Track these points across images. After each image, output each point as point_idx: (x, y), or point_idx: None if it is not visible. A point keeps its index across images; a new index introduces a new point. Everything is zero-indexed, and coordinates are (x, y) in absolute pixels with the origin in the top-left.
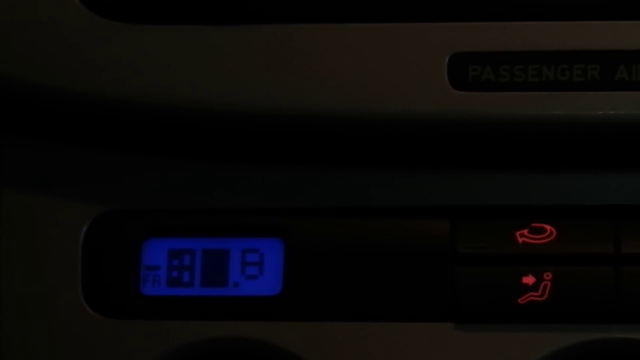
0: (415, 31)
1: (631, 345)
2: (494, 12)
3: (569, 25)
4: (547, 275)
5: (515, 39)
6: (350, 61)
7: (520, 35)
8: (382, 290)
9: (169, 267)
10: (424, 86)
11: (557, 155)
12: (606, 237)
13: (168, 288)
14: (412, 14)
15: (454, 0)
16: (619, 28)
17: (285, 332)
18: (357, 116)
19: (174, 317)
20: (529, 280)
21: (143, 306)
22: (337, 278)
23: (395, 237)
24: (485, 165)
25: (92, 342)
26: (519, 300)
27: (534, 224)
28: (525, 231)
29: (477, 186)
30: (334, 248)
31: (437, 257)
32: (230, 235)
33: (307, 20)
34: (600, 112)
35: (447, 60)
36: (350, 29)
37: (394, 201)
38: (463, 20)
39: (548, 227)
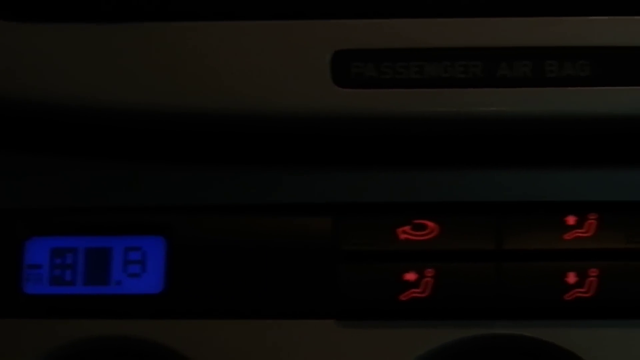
0: (298, 29)
1: (513, 341)
2: (376, 10)
3: (451, 23)
4: (429, 272)
5: (398, 36)
6: (234, 59)
7: (402, 32)
8: (266, 287)
9: (52, 265)
10: (308, 83)
11: (439, 152)
12: (488, 234)
13: (50, 287)
14: (295, 12)
15: None
16: (501, 25)
17: (167, 329)
18: (240, 114)
19: (57, 315)
20: (410, 277)
21: (25, 305)
22: (221, 276)
23: (279, 234)
24: (368, 162)
25: None
26: (401, 297)
27: (415, 221)
28: (407, 228)
29: (359, 183)
30: (217, 246)
31: (320, 255)
32: (112, 234)
33: (192, 18)
34: (483, 109)
35: (329, 57)
36: (234, 26)
37: (277, 199)
38: (346, 18)
39: (430, 223)
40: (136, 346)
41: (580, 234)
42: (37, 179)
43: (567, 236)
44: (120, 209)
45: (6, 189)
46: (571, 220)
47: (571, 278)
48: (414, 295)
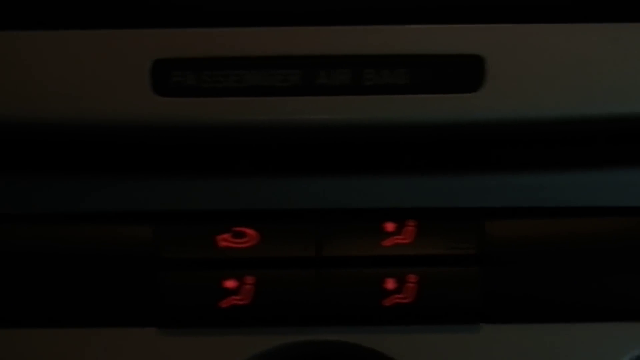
0: (117, 37)
1: (333, 347)
2: (196, 19)
3: (270, 32)
4: (249, 279)
5: (217, 45)
6: (53, 67)
7: (222, 41)
8: (87, 296)
9: None
10: (127, 92)
11: (258, 160)
12: (307, 241)
13: None
14: (114, 21)
15: (157, 7)
16: (319, 33)
17: None
18: (60, 122)
19: None
20: (230, 284)
21: None
22: (41, 284)
23: (100, 243)
24: (189, 170)
25: None
26: (221, 304)
27: (235, 228)
28: (226, 235)
29: (180, 192)
30: (37, 254)
31: (141, 263)
32: None
33: (10, 27)
34: (302, 117)
35: (149, 66)
36: (53, 35)
37: (97, 207)
38: (165, 27)
39: (249, 231)
40: None
41: (399, 241)
42: None
43: (386, 243)
44: None
45: None
46: (390, 226)
47: (390, 284)
48: (234, 302)
